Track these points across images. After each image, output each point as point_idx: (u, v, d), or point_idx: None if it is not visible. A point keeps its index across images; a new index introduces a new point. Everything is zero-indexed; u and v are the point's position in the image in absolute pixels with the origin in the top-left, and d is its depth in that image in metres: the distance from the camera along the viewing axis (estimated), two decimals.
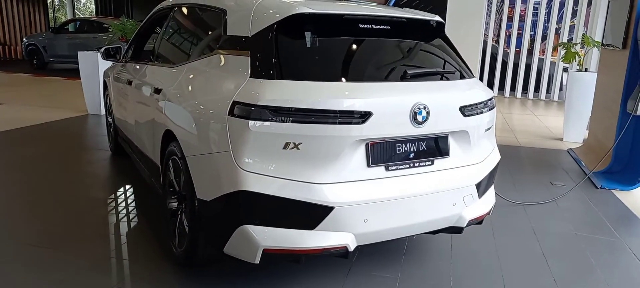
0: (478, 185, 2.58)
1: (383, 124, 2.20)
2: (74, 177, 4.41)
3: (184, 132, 2.52)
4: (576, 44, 6.53)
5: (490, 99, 2.65)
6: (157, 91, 3.01)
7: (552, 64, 10.91)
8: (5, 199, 3.74)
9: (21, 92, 9.68)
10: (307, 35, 2.32)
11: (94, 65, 7.16)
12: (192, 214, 2.50)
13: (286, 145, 2.11)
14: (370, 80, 2.34)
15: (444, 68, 2.59)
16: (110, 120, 5.10)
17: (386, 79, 2.39)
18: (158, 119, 2.96)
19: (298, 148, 2.12)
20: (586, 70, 6.73)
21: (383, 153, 2.27)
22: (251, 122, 2.09)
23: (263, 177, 2.13)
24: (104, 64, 7.10)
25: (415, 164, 2.36)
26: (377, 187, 2.26)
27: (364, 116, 2.15)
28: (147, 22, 4.08)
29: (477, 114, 2.52)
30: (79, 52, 7.34)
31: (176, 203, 2.82)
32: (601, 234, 3.44)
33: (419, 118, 2.27)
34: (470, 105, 2.48)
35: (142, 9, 20.43)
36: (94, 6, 27.48)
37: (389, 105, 2.23)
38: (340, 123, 2.13)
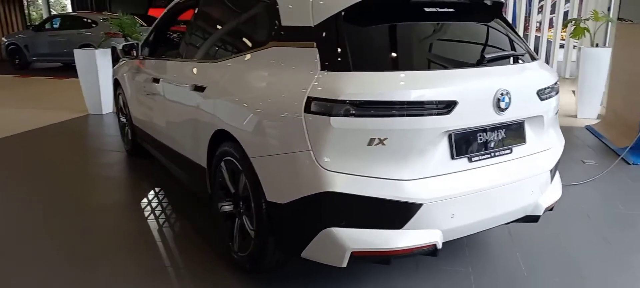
0: (551, 171, 2.50)
1: (468, 112, 2.09)
2: (97, 181, 4.21)
3: (245, 132, 2.37)
4: (587, 19, 6.49)
5: (557, 81, 2.55)
6: (200, 89, 2.83)
7: (549, 41, 10.93)
8: (32, 213, 3.53)
9: (10, 94, 9.30)
10: (377, 21, 2.19)
11: (92, 64, 6.88)
12: (259, 217, 2.35)
13: (371, 141, 1.99)
14: (448, 67, 2.21)
15: (513, 50, 2.47)
16: (123, 120, 4.89)
17: (465, 64, 2.26)
18: (203, 118, 2.79)
19: (383, 144, 1.99)
20: (597, 45, 6.71)
21: (466, 144, 2.16)
22: (333, 119, 1.96)
23: (348, 176, 2.00)
24: (102, 62, 6.90)
25: (496, 153, 2.26)
26: (462, 180, 2.15)
27: (449, 106, 2.03)
28: (166, 16, 3.88)
29: (550, 97, 2.43)
30: (75, 51, 7.03)
31: (231, 206, 2.68)
32: None
33: (502, 105, 2.16)
34: (546, 88, 2.38)
35: (120, 4, 19.91)
36: (67, 1, 26.67)
37: (474, 92, 2.11)
38: (427, 114, 2.00)
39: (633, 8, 5.02)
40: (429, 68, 2.16)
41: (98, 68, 6.86)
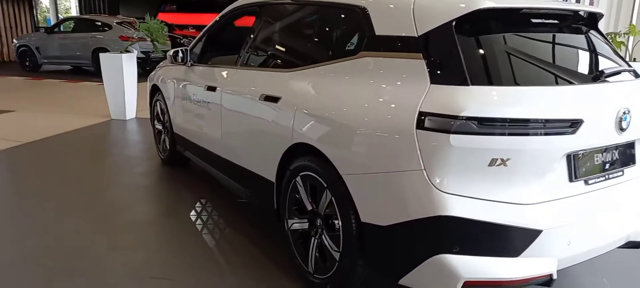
0: None
1: (591, 132, 1.94)
2: (138, 192, 4.04)
3: (337, 147, 2.21)
4: (626, 33, 6.37)
5: None
6: (273, 99, 2.68)
7: None
8: (79, 226, 3.35)
9: (25, 98, 9.12)
10: (491, 33, 2.05)
11: (118, 68, 6.72)
12: (348, 239, 2.20)
13: (492, 162, 1.83)
14: (570, 82, 2.07)
15: (621, 65, 2.32)
16: (159, 127, 4.73)
17: (584, 79, 2.12)
18: (276, 130, 2.64)
19: (505, 165, 1.84)
20: (634, 59, 6.59)
21: (584, 165, 2.01)
22: (453, 137, 1.80)
23: (466, 199, 1.84)
24: (128, 67, 6.74)
25: (610, 176, 2.11)
26: (579, 205, 2.00)
27: (575, 124, 1.88)
28: (220, 22, 3.73)
29: None
30: (101, 55, 6.89)
31: (306, 224, 2.52)
32: None
33: (624, 124, 2.02)
34: None
35: (129, 8, 19.81)
36: (71, 4, 26.49)
37: (599, 111, 1.97)
38: (554, 134, 1.86)
39: None
40: (549, 83, 2.02)
41: (124, 73, 6.70)
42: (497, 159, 1.83)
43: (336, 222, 2.27)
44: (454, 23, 1.98)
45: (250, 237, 3.11)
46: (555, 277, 1.94)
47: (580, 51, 2.25)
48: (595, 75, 2.09)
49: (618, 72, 2.18)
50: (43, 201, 3.73)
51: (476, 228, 1.85)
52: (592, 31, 2.37)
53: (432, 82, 1.94)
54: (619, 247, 2.29)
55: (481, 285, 1.91)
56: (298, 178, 2.50)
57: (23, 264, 2.75)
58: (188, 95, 3.84)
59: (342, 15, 2.54)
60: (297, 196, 2.54)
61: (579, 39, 2.28)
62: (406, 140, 1.90)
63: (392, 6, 2.26)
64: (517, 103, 1.84)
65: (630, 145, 2.18)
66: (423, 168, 1.87)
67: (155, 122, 4.83)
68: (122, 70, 6.70)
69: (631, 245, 2.30)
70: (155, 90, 4.71)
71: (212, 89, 3.39)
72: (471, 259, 1.88)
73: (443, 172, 1.85)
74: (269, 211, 2.84)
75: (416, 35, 2.07)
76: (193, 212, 3.56)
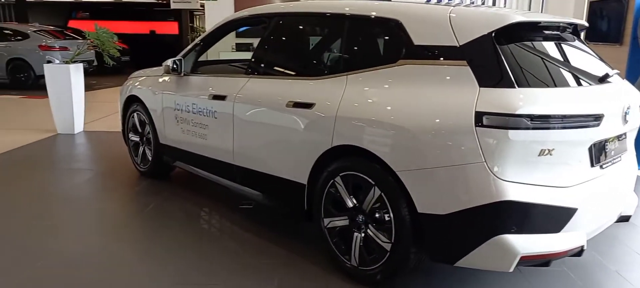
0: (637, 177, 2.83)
1: (607, 125, 2.33)
2: (133, 204, 3.94)
3: (390, 147, 2.41)
4: None
5: None
6: (304, 105, 2.82)
7: None
8: (96, 238, 3.24)
9: None
10: (520, 42, 2.39)
11: (65, 79, 6.37)
12: (401, 230, 2.41)
13: (541, 152, 2.15)
14: (588, 84, 2.45)
15: (614, 69, 2.74)
16: (135, 139, 4.63)
17: (596, 81, 2.50)
18: (311, 135, 2.78)
19: (551, 154, 2.17)
20: None
21: (600, 153, 2.40)
22: (511, 132, 2.10)
23: (522, 185, 2.15)
24: (76, 77, 6.44)
25: (614, 161, 2.53)
26: (597, 185, 2.39)
27: (598, 118, 2.26)
28: (219, 32, 3.77)
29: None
30: (45, 66, 6.48)
31: (347, 221, 2.69)
32: None
33: (627, 117, 2.44)
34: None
35: (38, 15, 18.53)
36: None
37: (613, 107, 2.37)
38: (586, 127, 2.22)
39: (611, 32, 5.68)
40: (574, 84, 2.39)
41: (72, 84, 6.37)
42: (545, 150, 2.15)
43: (386, 215, 2.47)
44: (493, 34, 2.29)
45: (272, 240, 3.20)
46: (585, 248, 2.31)
47: (582, 56, 2.66)
48: (601, 77, 2.50)
49: (613, 75, 2.62)
50: (32, 219, 3.53)
51: (530, 209, 2.16)
52: (575, 38, 2.79)
53: (481, 86, 2.22)
54: (614, 222, 2.74)
55: (533, 259, 2.22)
56: (337, 179, 2.67)
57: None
58: (184, 105, 3.82)
59: (376, 27, 2.75)
60: (336, 195, 2.70)
61: (578, 46, 2.70)
62: (467, 136, 2.17)
63: (427, 19, 2.52)
64: (557, 102, 2.18)
65: (626, 136, 2.62)
66: (484, 160, 2.14)
67: (131, 134, 4.71)
68: (70, 81, 6.37)
69: (622, 219, 2.76)
70: (131, 101, 4.59)
71: (220, 97, 3.43)
72: (525, 237, 2.18)
73: (502, 163, 2.13)
74: (281, 214, 2.95)
75: (458, 45, 2.35)
76: (201, 221, 3.57)
